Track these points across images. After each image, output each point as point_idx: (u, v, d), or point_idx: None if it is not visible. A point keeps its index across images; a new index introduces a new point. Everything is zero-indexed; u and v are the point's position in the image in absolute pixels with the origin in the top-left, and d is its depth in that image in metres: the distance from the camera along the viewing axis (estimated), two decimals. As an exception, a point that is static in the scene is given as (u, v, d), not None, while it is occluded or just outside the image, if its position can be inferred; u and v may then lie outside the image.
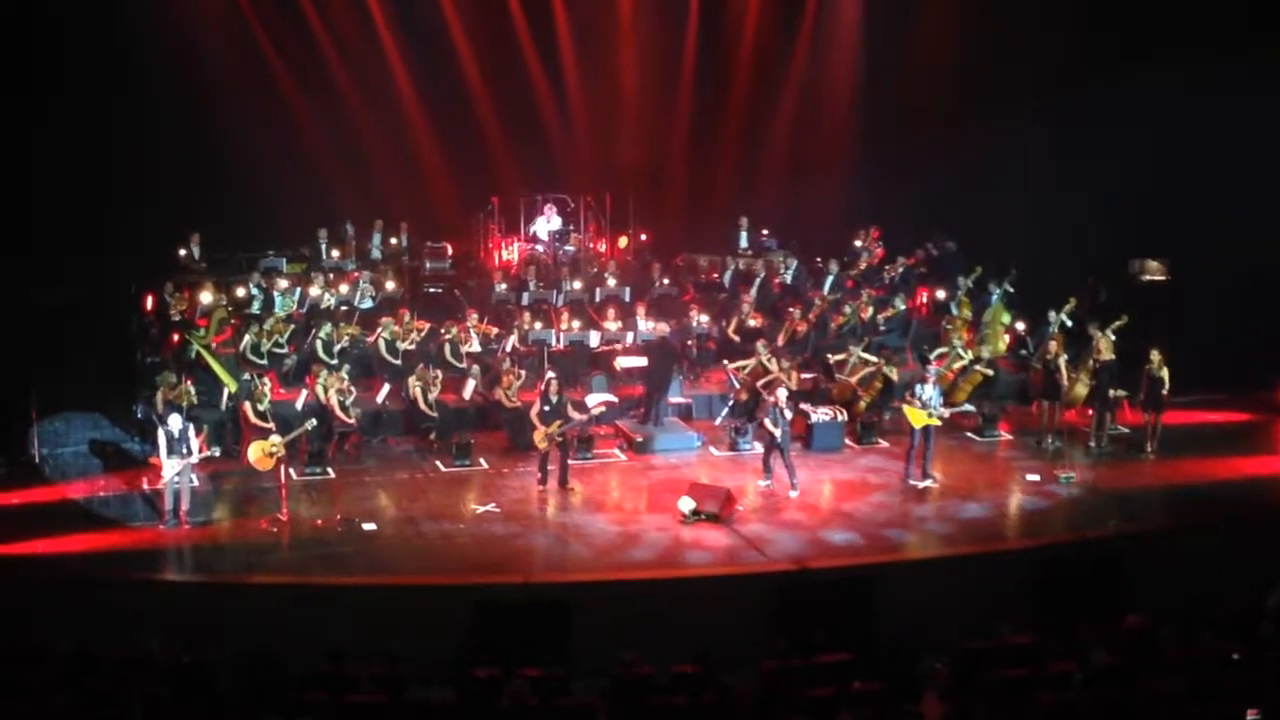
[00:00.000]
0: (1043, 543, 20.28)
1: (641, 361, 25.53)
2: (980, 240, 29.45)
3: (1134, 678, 13.77)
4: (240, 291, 27.41)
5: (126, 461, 22.70)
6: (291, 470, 21.63)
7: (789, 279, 29.42)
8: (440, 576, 18.89)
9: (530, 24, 32.16)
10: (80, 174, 27.11)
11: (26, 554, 19.13)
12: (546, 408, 22.09)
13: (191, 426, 20.57)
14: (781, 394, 22.18)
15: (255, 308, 26.86)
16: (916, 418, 22.19)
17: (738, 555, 19.59)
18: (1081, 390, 24.28)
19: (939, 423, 22.38)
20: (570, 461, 22.53)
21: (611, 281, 29.06)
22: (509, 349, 25.73)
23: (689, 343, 26.77)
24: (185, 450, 20.22)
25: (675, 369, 25.51)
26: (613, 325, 26.75)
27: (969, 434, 24.72)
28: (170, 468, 20.14)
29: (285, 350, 25.47)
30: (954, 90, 30.11)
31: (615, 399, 24.71)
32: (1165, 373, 23.37)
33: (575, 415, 22.38)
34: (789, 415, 22.34)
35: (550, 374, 23.01)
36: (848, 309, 27.27)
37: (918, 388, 22.50)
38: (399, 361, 25.22)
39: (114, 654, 14.70)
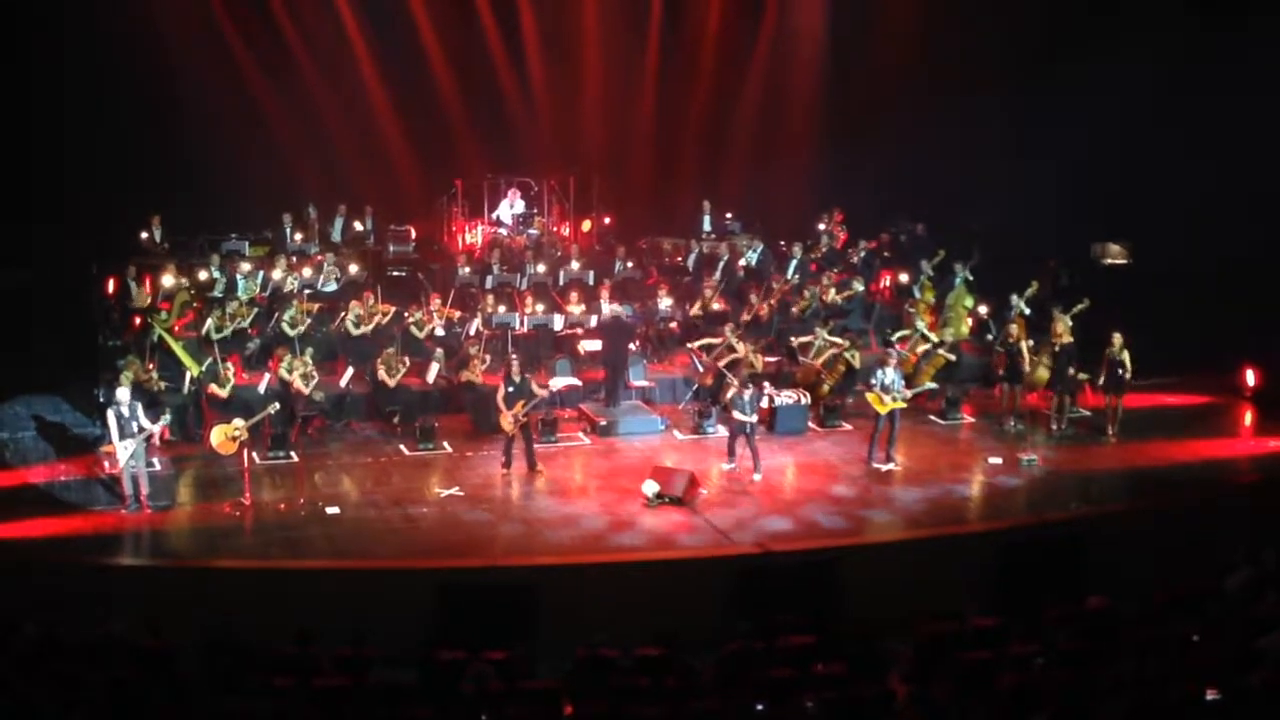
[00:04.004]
0: (1005, 525, 20.36)
1: (598, 345, 25.58)
2: (943, 224, 29.58)
3: (1095, 659, 13.85)
4: (202, 274, 27.26)
5: (88, 445, 22.52)
6: (254, 454, 21.54)
7: (753, 262, 29.43)
8: (404, 560, 18.88)
9: (494, 6, 32.06)
10: (41, 155, 26.90)
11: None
12: (510, 389, 22.06)
13: (139, 405, 20.42)
14: (737, 383, 22.19)
15: (217, 291, 26.75)
16: (879, 403, 22.26)
17: (701, 538, 19.62)
18: (1043, 373, 24.35)
19: (903, 405, 22.46)
20: (534, 445, 22.53)
21: (575, 265, 29.03)
22: (473, 332, 25.70)
23: (654, 326, 26.85)
24: (136, 428, 20.05)
25: (632, 348, 25.52)
26: (576, 309, 26.73)
27: (932, 417, 24.80)
28: (123, 450, 19.99)
29: (249, 332, 25.40)
30: (918, 75, 30.19)
31: (579, 382, 24.72)
32: (1126, 356, 23.49)
33: (540, 393, 22.36)
34: (761, 402, 22.39)
35: (511, 356, 23.01)
36: (807, 293, 27.28)
37: (879, 372, 22.55)
38: (364, 335, 25.26)
39: (78, 639, 14.65)
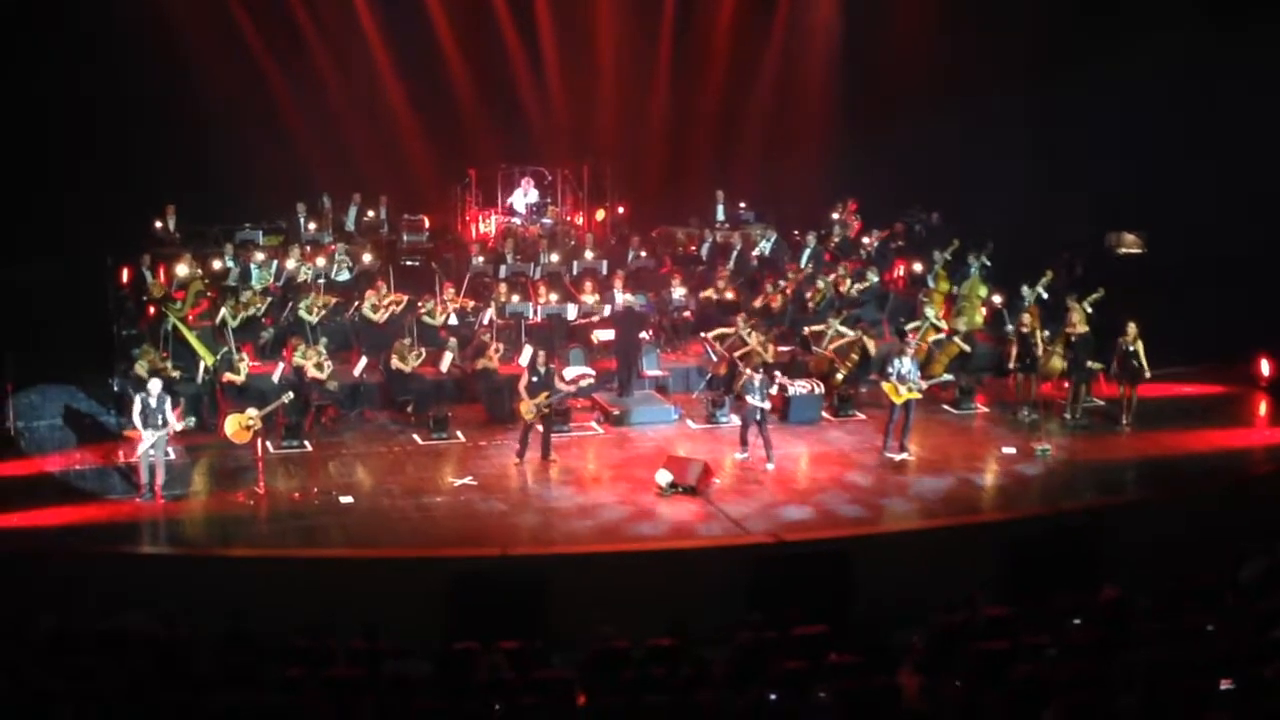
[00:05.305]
0: (1018, 515, 20.35)
1: (611, 334, 25.58)
2: (957, 213, 29.53)
3: (1109, 649, 13.83)
4: (216, 264, 27.30)
5: (102, 435, 22.64)
6: (268, 443, 21.61)
7: (766, 252, 29.43)
8: (418, 549, 18.89)
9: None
10: (54, 146, 26.97)
11: (1, 528, 19.07)
12: (535, 379, 22.05)
13: (169, 398, 20.50)
14: (749, 369, 22.20)
15: (231, 280, 26.77)
16: (895, 393, 22.22)
17: (714, 528, 19.63)
18: (1058, 363, 24.30)
19: (919, 396, 22.42)
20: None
21: (589, 254, 29.04)
22: (487, 322, 25.71)
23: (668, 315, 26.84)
24: (160, 421, 20.11)
25: (645, 338, 25.52)
26: (590, 298, 26.72)
27: (946, 406, 24.75)
28: (146, 439, 20.04)
29: (263, 321, 25.44)
30: (932, 63, 30.10)
31: (593, 372, 24.72)
32: (1140, 346, 23.44)
33: (563, 386, 22.38)
34: (773, 390, 22.38)
35: (530, 346, 23.00)
36: (820, 283, 27.24)
37: (895, 361, 22.49)
38: (379, 323, 25.30)
39: (93, 629, 14.67)
